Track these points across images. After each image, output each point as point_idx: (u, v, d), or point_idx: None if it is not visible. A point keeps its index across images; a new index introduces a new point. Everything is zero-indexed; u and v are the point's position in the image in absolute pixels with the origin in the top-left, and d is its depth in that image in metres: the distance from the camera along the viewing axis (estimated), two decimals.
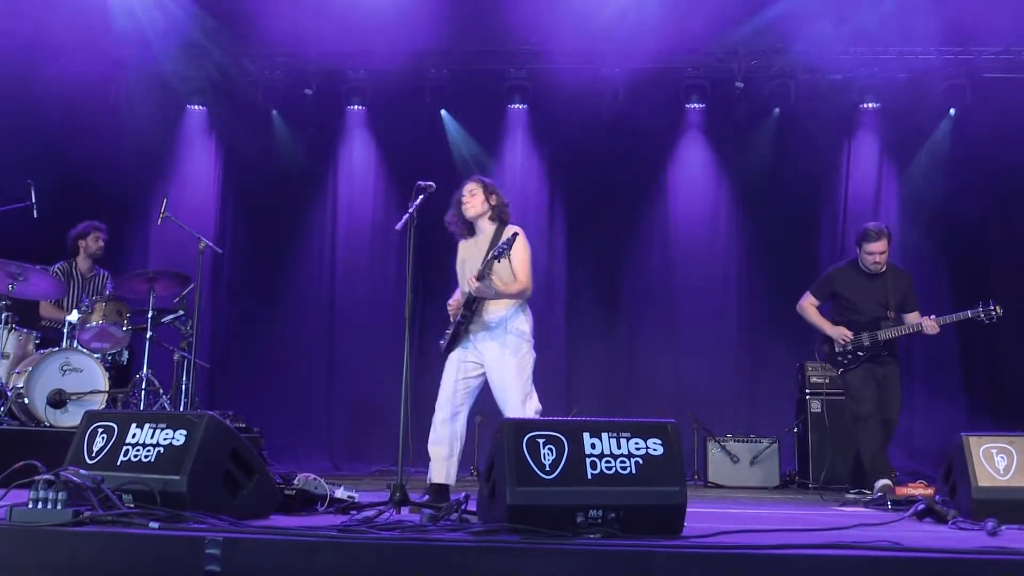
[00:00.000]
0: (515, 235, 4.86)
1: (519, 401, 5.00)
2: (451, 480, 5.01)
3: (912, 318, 6.16)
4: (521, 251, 5.03)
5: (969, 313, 6.10)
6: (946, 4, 8.19)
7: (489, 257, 4.87)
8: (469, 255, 5.19)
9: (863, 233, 6.14)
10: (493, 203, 5.19)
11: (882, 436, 6.05)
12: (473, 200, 5.18)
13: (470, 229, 5.24)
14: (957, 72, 9.12)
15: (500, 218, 5.19)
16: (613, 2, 8.53)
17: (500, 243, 4.87)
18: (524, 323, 5.11)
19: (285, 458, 8.15)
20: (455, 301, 5.22)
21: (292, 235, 9.75)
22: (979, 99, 9.14)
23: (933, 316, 6.08)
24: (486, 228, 5.20)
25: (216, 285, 9.45)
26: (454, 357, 5.12)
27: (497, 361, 5.03)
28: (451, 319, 5.21)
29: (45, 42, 8.03)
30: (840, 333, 6.11)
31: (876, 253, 6.06)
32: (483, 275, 4.89)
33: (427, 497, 4.70)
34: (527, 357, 5.08)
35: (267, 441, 6.62)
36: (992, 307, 6.05)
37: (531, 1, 8.37)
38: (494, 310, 5.07)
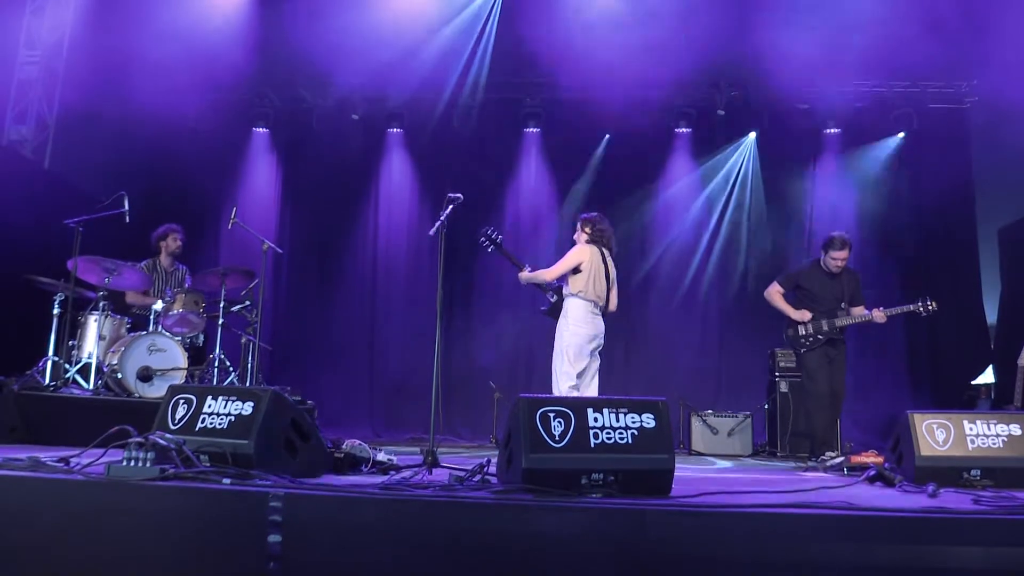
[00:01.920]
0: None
1: (555, 372, 5.61)
2: None
3: (857, 311, 6.20)
4: (568, 255, 5.74)
5: (910, 307, 6.24)
6: (896, 44, 8.15)
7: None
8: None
9: (830, 241, 6.17)
10: (588, 232, 5.84)
11: (832, 411, 6.19)
12: (576, 236, 5.90)
13: None
14: (905, 103, 9.11)
15: (591, 240, 5.81)
16: (613, 43, 8.52)
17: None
18: (573, 311, 5.64)
19: (334, 427, 8.18)
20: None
21: (341, 238, 9.79)
22: (924, 126, 9.12)
23: (881, 308, 6.15)
24: None
25: (277, 280, 9.49)
26: None
27: (557, 338, 5.70)
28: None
29: (136, 74, 8.09)
30: (801, 315, 6.18)
31: (839, 259, 6.12)
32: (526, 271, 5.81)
33: None
34: (569, 340, 5.60)
35: (319, 412, 6.64)
36: (928, 302, 6.19)
37: (545, 41, 8.38)
38: (566, 301, 5.71)
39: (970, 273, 8.97)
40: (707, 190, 9.53)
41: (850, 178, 9.43)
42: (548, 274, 5.76)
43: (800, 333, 6.20)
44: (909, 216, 9.21)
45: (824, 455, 5.76)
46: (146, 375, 5.85)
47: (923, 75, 8.87)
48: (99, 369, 5.91)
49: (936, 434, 3.71)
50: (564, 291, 5.75)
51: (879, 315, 6.11)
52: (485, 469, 3.24)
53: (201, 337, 6.73)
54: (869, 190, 9.34)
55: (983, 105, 8.95)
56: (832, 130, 9.36)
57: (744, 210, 9.42)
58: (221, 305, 6.58)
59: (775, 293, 6.40)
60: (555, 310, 5.79)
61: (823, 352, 6.15)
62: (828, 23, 8.26)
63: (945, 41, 7.99)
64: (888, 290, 8.84)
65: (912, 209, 9.20)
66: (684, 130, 9.52)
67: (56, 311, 6.13)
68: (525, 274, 5.87)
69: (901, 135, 9.25)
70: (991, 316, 8.87)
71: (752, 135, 9.48)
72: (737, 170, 9.52)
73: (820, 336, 6.15)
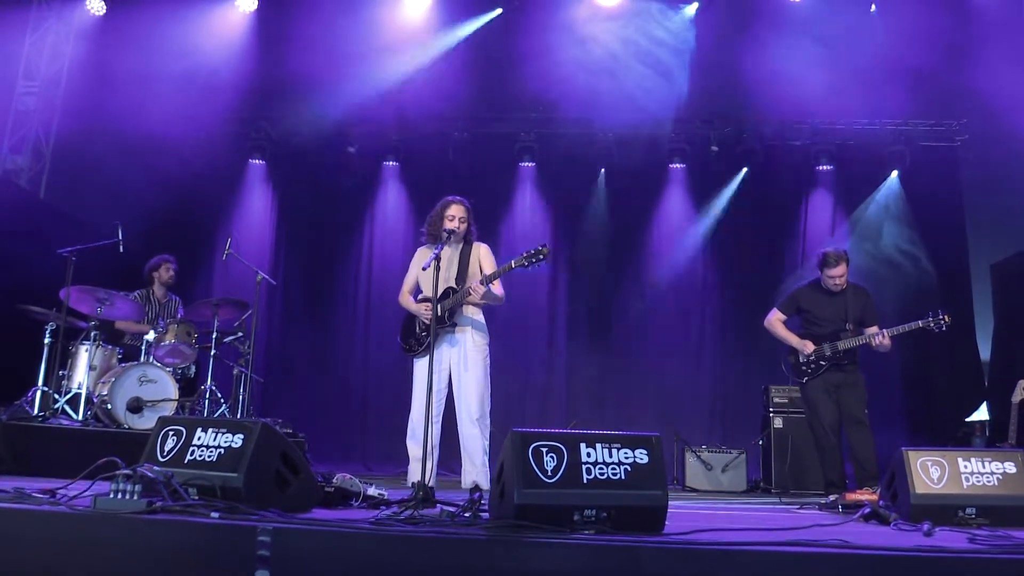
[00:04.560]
0: (545, 249, 4.78)
1: (484, 398, 5.00)
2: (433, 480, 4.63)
3: (872, 331, 5.78)
4: (494, 261, 5.18)
5: (920, 323, 5.73)
6: (888, 83, 8.28)
7: (511, 266, 4.86)
8: (424, 260, 5.00)
9: (823, 259, 5.83)
10: (471, 226, 5.26)
11: (838, 445, 5.76)
12: (464, 224, 5.19)
13: (437, 239, 5.09)
14: (897, 140, 9.20)
15: (469, 237, 5.25)
16: (608, 79, 8.63)
17: (526, 257, 4.79)
18: (482, 324, 5.15)
19: (325, 460, 8.10)
20: (427, 306, 5.04)
21: (335, 270, 9.79)
22: (915, 163, 9.21)
23: (883, 331, 5.74)
24: (458, 244, 5.20)
25: (270, 311, 9.48)
26: (426, 363, 4.52)
27: (467, 360, 5.02)
28: (422, 322, 5.06)
29: (133, 105, 8.15)
30: (804, 345, 5.84)
31: (836, 276, 5.79)
32: (487, 282, 4.95)
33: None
34: (488, 357, 5.10)
35: (310, 445, 6.59)
36: (941, 316, 5.69)
37: (540, 76, 8.48)
38: (471, 314, 5.08)
39: (963, 309, 8.99)
40: (701, 225, 9.58)
41: (843, 215, 9.50)
42: (503, 293, 5.14)
43: (800, 360, 5.88)
44: (902, 252, 9.26)
45: (831, 493, 5.53)
46: (136, 406, 5.81)
47: (914, 113, 9.00)
48: (89, 400, 5.88)
49: (931, 471, 3.69)
50: (476, 297, 5.04)
51: (880, 336, 5.67)
52: (477, 505, 3.20)
53: (193, 368, 6.72)
54: (861, 226, 9.40)
55: (973, 143, 9.06)
56: (825, 167, 9.45)
57: (738, 246, 9.47)
58: (213, 336, 6.58)
59: (776, 321, 6.07)
60: (429, 342, 4.79)
61: (826, 380, 5.78)
62: (821, 61, 8.40)
63: (935, 80, 8.12)
64: (882, 327, 8.87)
65: (905, 245, 9.25)
66: (678, 166, 9.61)
67: (47, 340, 6.11)
68: (483, 288, 4.99)
69: (895, 173, 9.33)
70: (984, 352, 8.89)
71: (745, 171, 9.55)
72: (731, 206, 9.58)
73: (822, 362, 5.80)
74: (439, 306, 4.81)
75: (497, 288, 5.11)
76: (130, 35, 8.37)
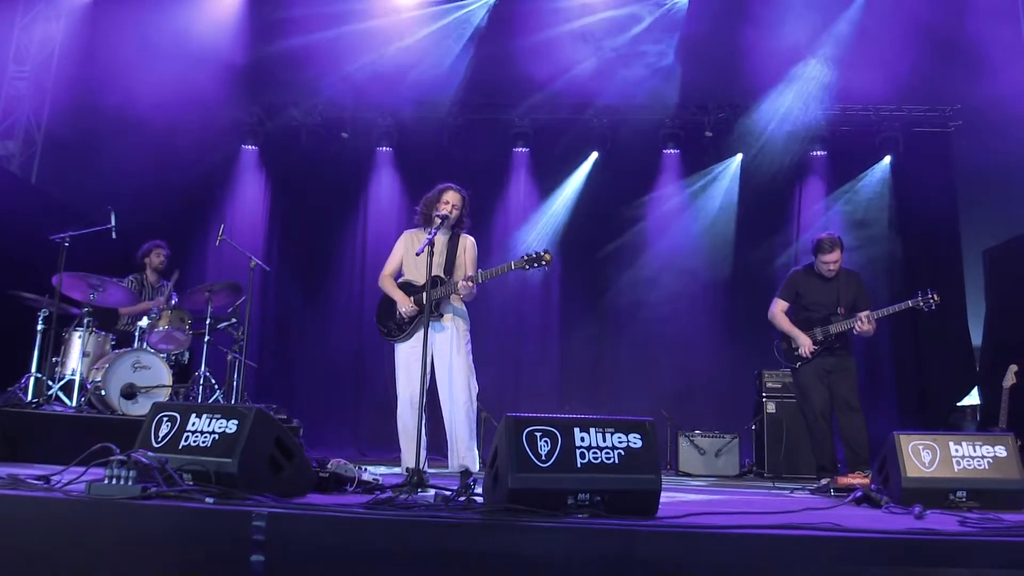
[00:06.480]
0: (547, 255, 4.84)
1: (471, 381, 5.07)
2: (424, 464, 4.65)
3: (863, 315, 5.69)
4: (475, 256, 5.22)
5: (909, 303, 5.74)
6: (883, 69, 8.27)
7: (511, 267, 4.92)
8: (415, 246, 5.13)
9: (818, 245, 5.83)
10: (463, 217, 5.26)
11: (828, 430, 5.75)
12: (457, 212, 5.20)
13: (429, 222, 5.13)
14: (891, 126, 9.20)
15: (458, 228, 5.26)
16: (602, 64, 8.61)
17: (527, 261, 4.85)
18: (464, 314, 5.22)
19: (319, 445, 8.10)
20: (412, 302, 5.12)
21: (328, 256, 9.77)
22: (909, 149, 9.21)
23: (867, 315, 5.66)
24: (447, 232, 5.20)
25: (264, 297, 9.46)
26: (413, 350, 5.03)
27: (452, 346, 5.07)
28: (406, 310, 5.13)
29: (125, 90, 8.09)
30: (807, 343, 5.79)
31: (831, 262, 5.79)
32: (476, 280, 4.99)
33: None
34: (470, 342, 5.17)
35: (304, 430, 6.58)
36: (930, 295, 5.68)
37: (535, 61, 8.44)
38: (455, 302, 5.15)
39: (955, 295, 9.02)
40: (695, 211, 9.58)
41: (836, 200, 9.51)
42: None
43: (793, 346, 5.88)
44: (895, 238, 9.28)
45: (823, 477, 5.55)
46: (130, 392, 5.80)
47: (908, 99, 9.00)
48: (82, 386, 5.86)
49: (922, 455, 3.71)
50: (463, 293, 5.12)
51: (860, 322, 5.63)
52: (471, 489, 3.20)
53: (186, 354, 6.70)
54: (854, 212, 9.41)
55: (967, 128, 9.07)
56: (818, 152, 9.45)
57: (731, 231, 9.47)
58: (207, 322, 6.56)
59: (779, 313, 6.02)
60: (413, 329, 5.15)
61: (818, 365, 5.78)
62: (814, 47, 8.38)
63: (929, 66, 8.11)
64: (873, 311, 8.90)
65: (898, 231, 9.28)
66: (672, 151, 9.60)
67: (40, 327, 6.09)
68: (470, 287, 5.07)
69: (888, 159, 9.33)
70: (976, 338, 8.92)
71: (739, 156, 9.54)
72: (724, 191, 9.58)
73: (815, 347, 5.80)
74: (425, 295, 4.84)
75: (473, 285, 5.12)
76: (120, 19, 8.30)
